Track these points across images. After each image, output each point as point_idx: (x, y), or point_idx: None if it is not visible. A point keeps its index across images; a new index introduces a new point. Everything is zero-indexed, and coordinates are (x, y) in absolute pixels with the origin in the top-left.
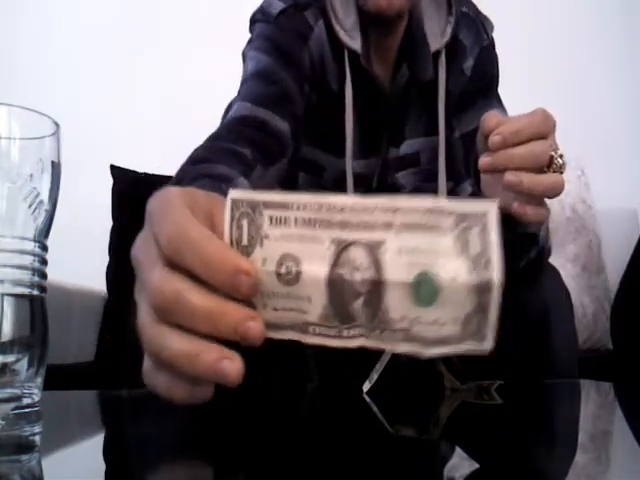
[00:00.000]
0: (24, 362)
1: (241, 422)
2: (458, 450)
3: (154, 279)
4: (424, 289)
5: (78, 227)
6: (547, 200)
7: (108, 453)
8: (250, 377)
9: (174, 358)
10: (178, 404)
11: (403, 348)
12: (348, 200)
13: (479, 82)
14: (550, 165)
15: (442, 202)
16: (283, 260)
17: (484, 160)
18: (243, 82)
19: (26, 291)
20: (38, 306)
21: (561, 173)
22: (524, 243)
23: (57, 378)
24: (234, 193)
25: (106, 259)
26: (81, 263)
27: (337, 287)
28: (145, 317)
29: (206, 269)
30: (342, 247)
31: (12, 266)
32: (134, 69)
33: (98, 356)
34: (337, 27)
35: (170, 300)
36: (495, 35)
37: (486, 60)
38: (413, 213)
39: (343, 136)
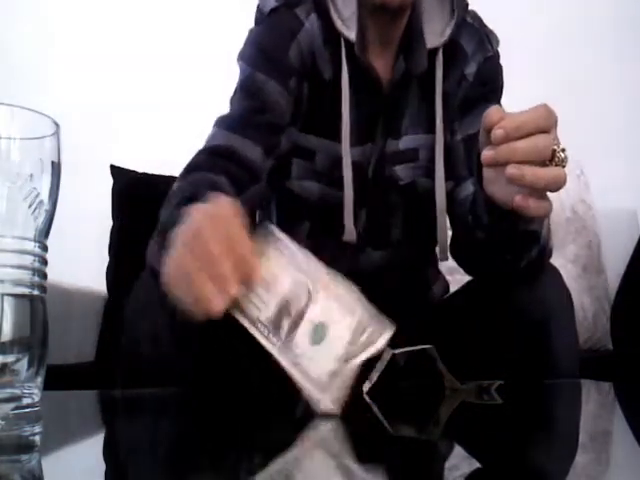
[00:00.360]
0: (24, 362)
1: (240, 421)
2: (458, 450)
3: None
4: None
5: (78, 227)
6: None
7: (108, 453)
8: (247, 378)
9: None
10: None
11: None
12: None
13: (482, 88)
14: (552, 159)
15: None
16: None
17: (487, 154)
18: (234, 92)
19: (26, 291)
20: (38, 306)
21: (563, 167)
22: (525, 241)
23: (57, 378)
24: (272, 230)
25: (106, 259)
26: (81, 263)
27: (284, 309)
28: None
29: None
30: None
31: (12, 266)
32: (134, 69)
33: (98, 356)
34: (335, 16)
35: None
36: (497, 32)
37: (490, 69)
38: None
39: (337, 121)
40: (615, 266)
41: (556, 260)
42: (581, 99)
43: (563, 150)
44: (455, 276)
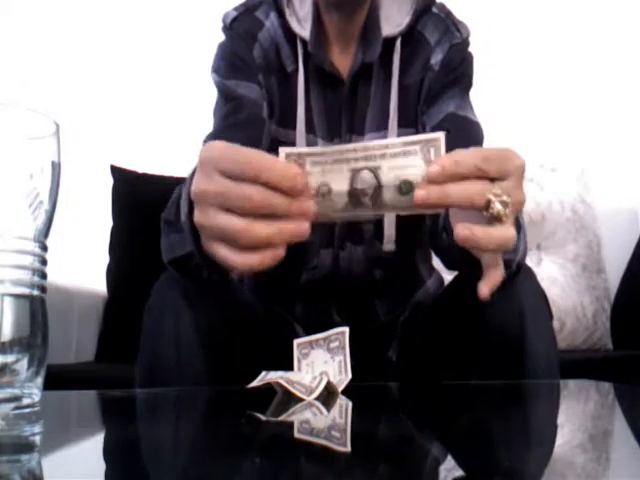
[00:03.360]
0: (24, 362)
1: (239, 422)
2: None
3: (244, 190)
4: (404, 186)
5: (78, 227)
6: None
7: (108, 453)
8: (250, 370)
9: (236, 232)
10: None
11: (394, 211)
12: (358, 145)
13: (447, 76)
14: (487, 209)
15: (414, 136)
16: (321, 185)
17: (419, 193)
18: (215, 103)
19: (26, 291)
20: (38, 306)
21: (501, 222)
22: None
23: (57, 378)
24: (285, 149)
25: (106, 259)
26: (81, 263)
27: (353, 194)
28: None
29: (279, 177)
30: (356, 172)
31: (12, 266)
32: (134, 69)
33: (98, 356)
34: (291, 18)
35: (258, 202)
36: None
37: (456, 56)
38: (396, 146)
39: (307, 114)
40: (615, 266)
41: (556, 260)
42: (581, 99)
43: (504, 203)
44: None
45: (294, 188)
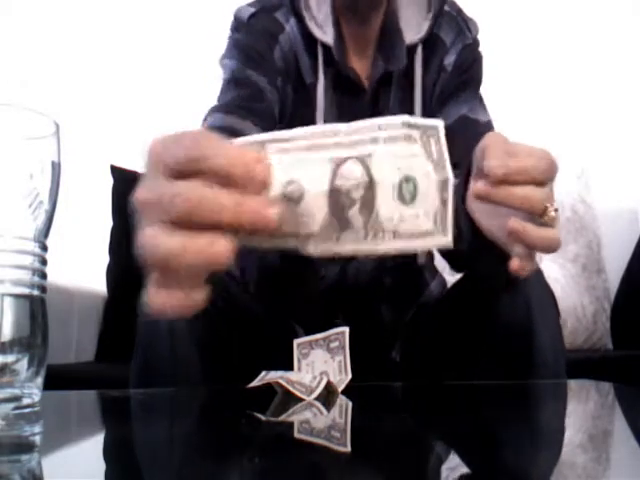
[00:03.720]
0: (24, 362)
1: (239, 422)
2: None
3: (175, 190)
4: (407, 188)
5: (78, 227)
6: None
7: (108, 453)
8: (250, 370)
9: (193, 255)
10: (175, 314)
11: (393, 246)
12: (340, 125)
13: (460, 77)
14: (543, 215)
15: (413, 118)
16: (288, 184)
17: (481, 188)
18: (220, 91)
19: (26, 291)
20: (38, 306)
21: (552, 227)
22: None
23: (57, 378)
24: (239, 140)
25: (106, 259)
26: (81, 263)
27: (335, 197)
28: (156, 231)
29: (227, 163)
30: (338, 163)
31: (12, 266)
32: (135, 69)
33: (98, 356)
34: (310, 22)
35: (195, 203)
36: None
37: (468, 57)
38: (393, 127)
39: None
40: (615, 266)
41: (556, 260)
42: (581, 99)
43: (556, 210)
44: (456, 275)
45: (249, 177)
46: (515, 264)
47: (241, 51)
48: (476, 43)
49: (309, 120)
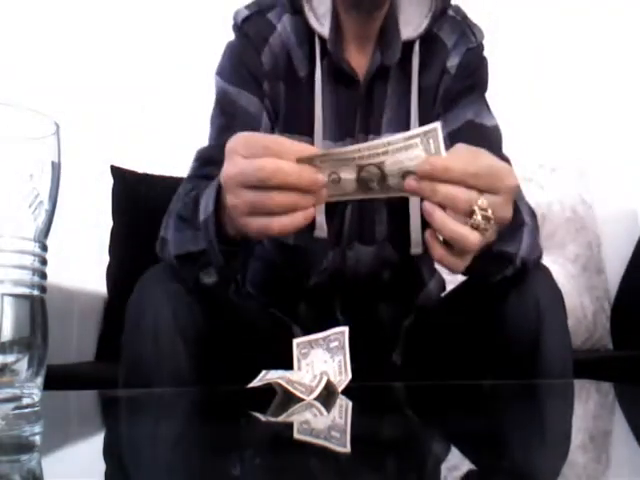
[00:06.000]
0: (24, 362)
1: (239, 422)
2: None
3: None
4: (407, 174)
5: (78, 227)
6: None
7: (108, 453)
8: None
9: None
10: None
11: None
12: (362, 145)
13: (464, 81)
14: (470, 216)
15: (412, 131)
16: (331, 174)
17: (411, 182)
18: (212, 109)
19: (26, 291)
20: (38, 306)
21: (479, 231)
22: (499, 262)
23: (57, 378)
24: (305, 150)
25: (106, 259)
26: (81, 263)
27: (361, 182)
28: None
29: (293, 181)
30: (361, 167)
31: (12, 266)
32: (135, 69)
33: (98, 356)
34: (309, 14)
35: (273, 169)
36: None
37: (473, 61)
38: (397, 142)
39: (313, 118)
40: (615, 266)
41: (556, 260)
42: (582, 99)
43: (486, 218)
44: (457, 276)
45: (304, 156)
46: (428, 234)
47: (229, 62)
48: (481, 47)
49: (306, 111)
